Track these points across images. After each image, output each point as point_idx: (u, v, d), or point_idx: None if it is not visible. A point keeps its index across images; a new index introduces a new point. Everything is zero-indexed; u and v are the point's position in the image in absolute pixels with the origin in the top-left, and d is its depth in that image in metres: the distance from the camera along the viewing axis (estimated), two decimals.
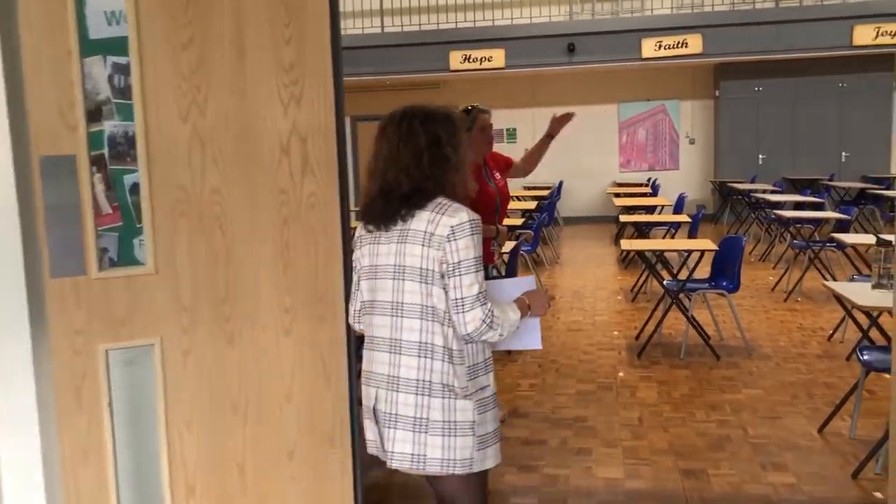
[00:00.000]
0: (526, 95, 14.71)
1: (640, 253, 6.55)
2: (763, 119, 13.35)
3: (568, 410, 4.47)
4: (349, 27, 13.75)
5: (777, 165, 13.36)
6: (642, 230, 8.14)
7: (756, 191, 11.45)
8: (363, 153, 16.01)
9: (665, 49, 12.64)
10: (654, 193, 11.74)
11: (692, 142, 14.27)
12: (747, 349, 5.54)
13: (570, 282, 8.59)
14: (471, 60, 13.12)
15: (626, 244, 6.79)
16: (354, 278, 2.31)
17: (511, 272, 6.06)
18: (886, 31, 12.03)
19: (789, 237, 8.77)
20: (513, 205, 10.36)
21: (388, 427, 2.14)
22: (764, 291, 7.60)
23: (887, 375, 3.72)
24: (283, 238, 2.48)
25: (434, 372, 2.09)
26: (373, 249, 2.20)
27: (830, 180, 12.94)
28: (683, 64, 13.34)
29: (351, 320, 2.37)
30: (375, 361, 2.19)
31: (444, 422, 2.08)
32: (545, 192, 12.23)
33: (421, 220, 2.09)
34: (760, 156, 13.44)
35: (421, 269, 2.08)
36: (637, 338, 5.93)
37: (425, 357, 2.09)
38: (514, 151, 15.30)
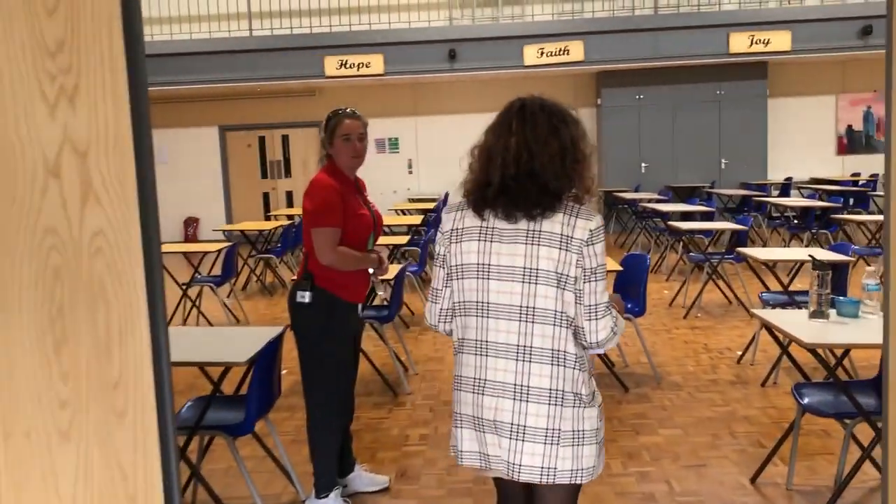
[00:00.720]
0: (408, 103, 14.11)
1: None
2: (644, 127, 13.27)
3: (465, 471, 3.80)
4: (214, 30, 12.73)
5: (659, 174, 13.30)
6: None
7: (642, 200, 11.26)
8: (234, 167, 14.95)
9: (547, 56, 12.33)
10: None
11: None
12: (656, 377, 5.06)
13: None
14: (347, 66, 12.38)
15: None
16: (441, 273, 2.11)
17: (397, 299, 5.37)
18: (760, 39, 12.17)
19: (682, 248, 8.51)
20: (396, 220, 9.69)
21: (515, 439, 1.98)
22: (661, 307, 7.23)
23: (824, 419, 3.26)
24: (55, 300, 1.69)
25: (566, 381, 1.98)
26: (484, 247, 2.01)
27: (712, 188, 12.97)
28: (566, 72, 13.09)
29: (434, 321, 2.15)
30: (492, 368, 2.02)
31: (573, 431, 1.97)
32: (431, 205, 11.62)
33: (554, 223, 1.96)
34: (643, 164, 13.35)
35: (557, 273, 1.95)
36: None
37: (558, 365, 1.97)
38: (396, 162, 14.77)
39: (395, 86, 13.90)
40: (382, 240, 6.24)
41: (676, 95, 13.15)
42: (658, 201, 10.93)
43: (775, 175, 13.65)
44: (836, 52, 12.24)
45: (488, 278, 2.00)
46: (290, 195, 14.52)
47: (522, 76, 13.36)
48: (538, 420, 1.95)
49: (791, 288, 5.52)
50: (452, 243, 2.06)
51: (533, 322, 1.96)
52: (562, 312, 1.95)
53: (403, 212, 11.67)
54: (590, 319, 1.95)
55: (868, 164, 13.67)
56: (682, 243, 8.44)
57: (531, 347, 1.96)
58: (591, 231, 1.95)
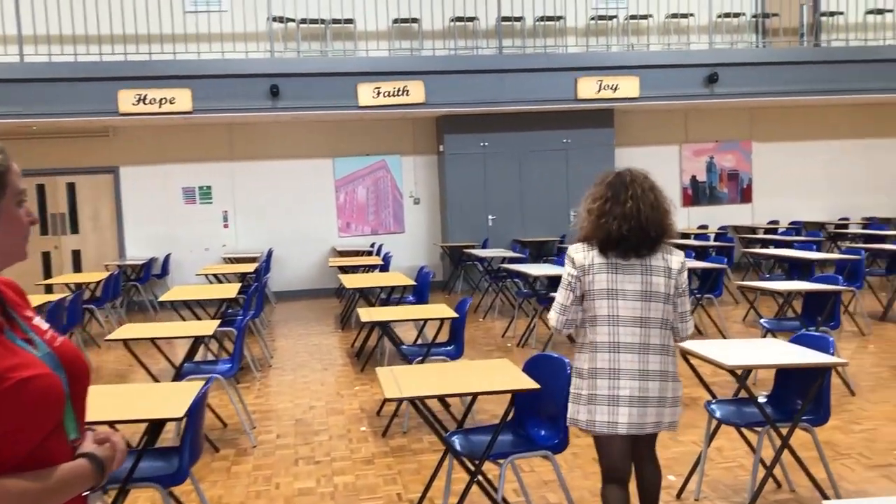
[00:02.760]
0: (223, 146, 12.17)
1: (384, 328, 5.38)
2: (490, 176, 12.16)
3: None
4: None
5: (507, 226, 12.21)
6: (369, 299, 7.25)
7: (494, 258, 10.03)
8: None
9: (384, 96, 10.94)
10: (385, 263, 9.82)
11: (417, 202, 12.71)
12: None
13: (290, 402, 6.22)
14: (147, 102, 10.34)
15: (366, 314, 5.67)
16: (570, 296, 3.00)
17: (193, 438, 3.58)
18: (608, 85, 11.47)
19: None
20: (200, 293, 7.70)
21: (646, 406, 2.91)
22: None
23: None
24: None
25: (672, 364, 3.00)
26: (611, 278, 2.94)
27: (563, 243, 12.03)
28: (405, 114, 11.76)
29: (560, 326, 3.05)
30: (623, 361, 2.92)
31: (677, 397, 3.02)
32: (251, 267, 9.74)
33: (657, 259, 2.95)
34: (490, 216, 12.20)
35: (665, 293, 2.96)
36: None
37: (666, 355, 2.97)
38: (209, 214, 12.72)
39: (208, 126, 11.95)
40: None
41: (523, 143, 12.17)
42: (513, 260, 9.73)
43: None
44: (683, 99, 11.78)
45: (616, 298, 2.94)
46: (77, 256, 12.05)
47: (357, 118, 11.90)
48: (664, 391, 2.95)
49: None
50: (587, 274, 2.97)
51: (649, 328, 2.95)
52: (666, 320, 2.98)
53: (217, 278, 9.70)
54: (683, 321, 3.05)
55: (713, 216, 13.33)
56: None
57: (649, 345, 2.95)
58: (682, 263, 3.04)
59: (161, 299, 7.22)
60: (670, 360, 2.96)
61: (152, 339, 5.39)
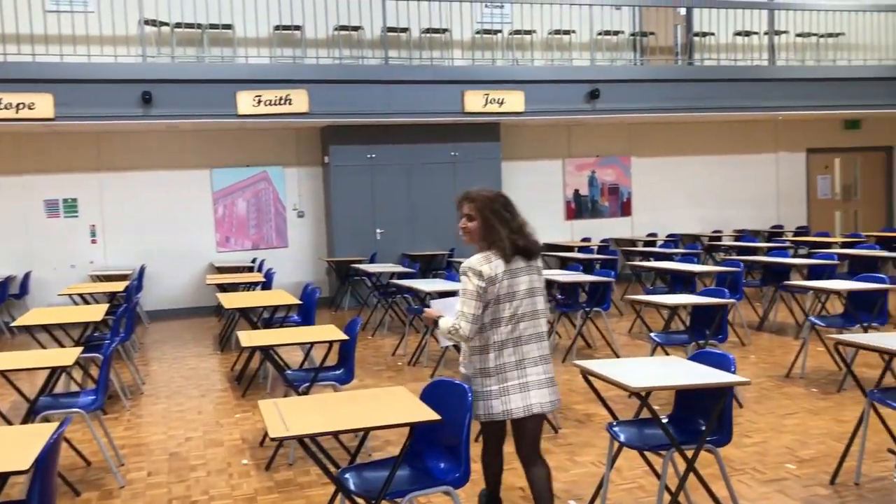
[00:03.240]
0: (90, 156, 11.35)
1: (266, 354, 5.18)
2: (378, 189, 11.90)
3: None
4: None
5: (396, 240, 11.97)
6: (250, 318, 6.79)
7: (382, 273, 9.77)
8: None
9: (266, 105, 10.50)
10: (268, 280, 9.35)
11: (301, 215, 12.28)
12: None
13: (163, 433, 5.72)
14: (3, 107, 9.48)
15: (247, 337, 5.21)
16: (480, 306, 3.37)
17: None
18: (494, 99, 11.47)
19: None
20: (75, 314, 7.00)
21: (548, 387, 3.46)
22: None
23: None
24: None
25: (549, 348, 3.54)
26: (510, 282, 3.39)
27: (451, 256, 11.92)
28: (288, 124, 11.34)
29: (472, 335, 3.38)
30: (527, 352, 3.43)
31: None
32: (121, 286, 9.05)
33: (534, 261, 3.51)
34: (378, 230, 11.93)
35: (541, 288, 3.51)
36: None
37: (547, 341, 3.51)
38: (75, 228, 11.80)
39: (73, 134, 11.12)
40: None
41: (411, 155, 11.98)
42: (402, 275, 9.49)
43: None
44: (566, 114, 11.93)
45: (514, 299, 3.42)
46: None
47: (237, 127, 11.38)
48: (550, 374, 3.49)
49: None
50: (493, 284, 3.37)
51: (538, 319, 3.50)
52: (545, 310, 3.56)
53: (83, 298, 8.96)
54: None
55: (595, 229, 13.57)
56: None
57: (543, 333, 3.50)
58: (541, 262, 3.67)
59: (14, 324, 6.51)
60: (546, 345, 3.49)
61: (1, 372, 4.79)
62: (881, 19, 13.53)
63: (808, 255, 9.59)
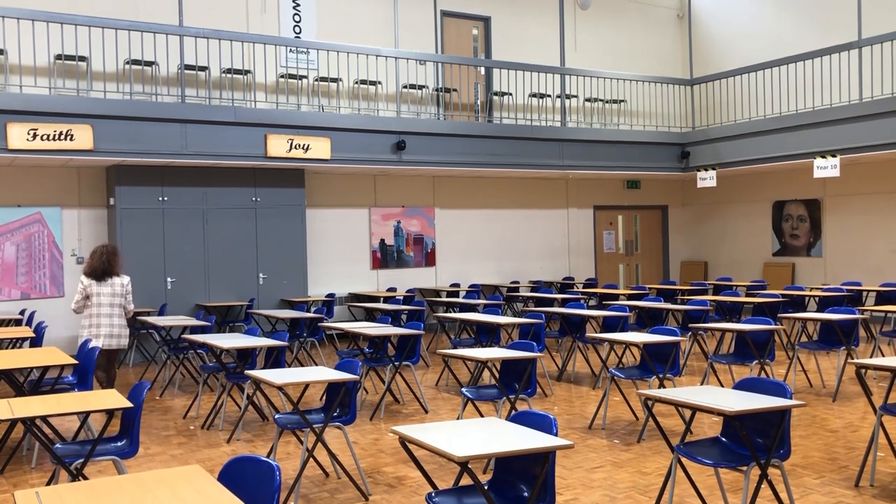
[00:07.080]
0: None
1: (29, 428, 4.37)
2: (170, 234, 11.08)
3: None
4: None
5: (189, 289, 11.17)
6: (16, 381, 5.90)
7: (173, 326, 8.98)
8: None
9: (43, 140, 9.47)
10: (38, 335, 8.25)
11: (80, 261, 11.12)
12: None
13: None
14: None
15: (6, 408, 4.46)
16: (83, 299, 7.44)
17: None
18: (299, 144, 11.15)
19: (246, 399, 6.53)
20: None
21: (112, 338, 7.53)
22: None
23: None
24: None
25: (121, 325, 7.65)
26: (101, 289, 7.42)
27: (251, 308, 11.30)
28: (68, 161, 10.29)
29: (76, 308, 7.45)
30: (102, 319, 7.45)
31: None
32: None
33: (116, 283, 7.53)
34: (169, 278, 11.07)
35: (123, 296, 7.57)
36: None
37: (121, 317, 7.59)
38: None
39: None
40: None
41: (208, 199, 11.30)
42: (196, 329, 8.79)
43: (316, 290, 12.61)
44: (373, 164, 11.85)
45: (101, 297, 7.42)
46: None
47: (7, 163, 10.16)
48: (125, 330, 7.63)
49: None
50: (88, 288, 7.39)
51: (113, 307, 7.48)
52: (122, 305, 7.57)
53: None
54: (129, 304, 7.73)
55: (401, 279, 13.52)
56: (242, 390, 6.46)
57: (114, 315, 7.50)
58: (127, 281, 7.65)
59: None
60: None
61: None
62: (658, 90, 14.83)
63: (599, 306, 10.07)
